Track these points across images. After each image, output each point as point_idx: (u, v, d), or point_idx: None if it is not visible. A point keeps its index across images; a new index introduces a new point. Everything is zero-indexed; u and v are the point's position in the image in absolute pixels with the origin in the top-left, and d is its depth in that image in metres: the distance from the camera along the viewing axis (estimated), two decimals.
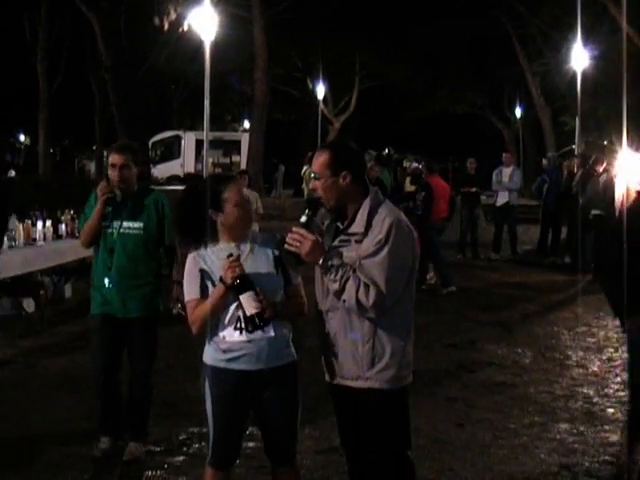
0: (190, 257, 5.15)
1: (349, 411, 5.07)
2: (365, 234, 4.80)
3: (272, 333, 4.94)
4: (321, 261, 4.78)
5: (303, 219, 4.87)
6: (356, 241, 4.83)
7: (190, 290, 5.10)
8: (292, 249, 4.81)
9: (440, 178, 17.23)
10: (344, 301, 4.77)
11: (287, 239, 4.82)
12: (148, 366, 7.19)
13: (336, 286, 4.75)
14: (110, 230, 7.01)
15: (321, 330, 5.03)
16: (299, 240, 4.78)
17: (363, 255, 4.76)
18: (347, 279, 4.72)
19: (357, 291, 4.70)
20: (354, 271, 4.74)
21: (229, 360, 4.99)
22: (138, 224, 7.03)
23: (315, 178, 4.95)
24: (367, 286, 4.70)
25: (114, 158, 7.02)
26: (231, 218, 5.05)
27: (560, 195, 19.96)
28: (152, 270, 7.15)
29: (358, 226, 4.85)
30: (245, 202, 5.12)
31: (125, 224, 7.01)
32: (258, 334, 4.93)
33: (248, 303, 4.82)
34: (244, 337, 4.94)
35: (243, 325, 4.93)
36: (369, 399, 4.92)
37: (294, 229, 4.83)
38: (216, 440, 5.12)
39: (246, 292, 4.82)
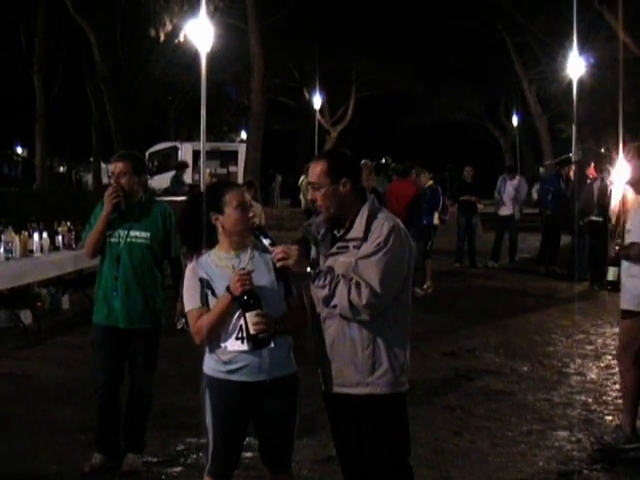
0: (189, 267, 5.13)
1: (348, 420, 5.07)
2: (364, 239, 4.83)
3: (272, 344, 4.91)
4: (308, 269, 4.81)
5: (267, 242, 4.96)
6: (354, 247, 4.86)
7: (190, 299, 5.07)
8: (281, 263, 4.86)
9: (406, 183, 16.73)
10: (335, 306, 4.79)
11: (273, 257, 4.88)
12: (149, 378, 7.18)
13: (325, 292, 4.77)
14: (116, 239, 6.99)
15: (319, 338, 5.04)
16: (286, 253, 4.82)
17: (360, 256, 4.78)
18: (337, 283, 4.74)
19: (349, 292, 4.72)
20: (344, 276, 4.75)
21: (230, 372, 4.98)
22: (145, 233, 7.00)
23: (313, 188, 4.95)
24: (359, 285, 4.72)
25: (114, 166, 7.02)
26: (231, 220, 5.02)
27: (557, 202, 19.94)
28: (157, 281, 7.13)
29: (357, 231, 4.88)
30: (245, 206, 5.10)
31: (132, 233, 6.98)
32: None
33: (252, 322, 4.80)
34: (246, 347, 4.92)
35: (244, 335, 4.91)
36: (369, 405, 4.94)
37: (270, 250, 4.90)
38: (216, 450, 5.09)
39: (252, 310, 4.81)
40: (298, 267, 4.86)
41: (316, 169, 4.97)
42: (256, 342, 4.85)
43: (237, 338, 4.94)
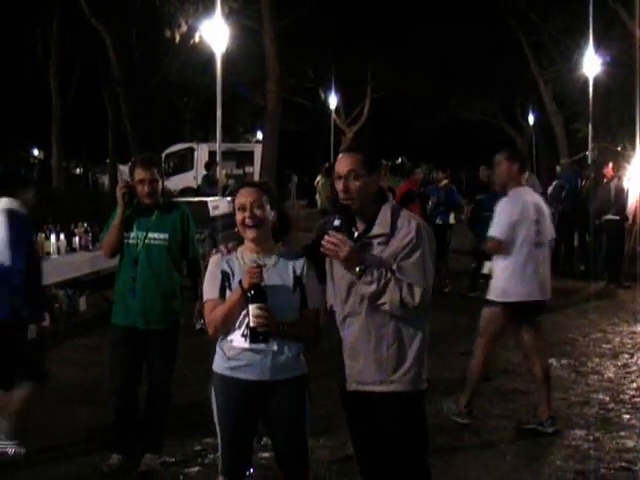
0: (213, 258, 5.14)
1: (367, 418, 5.07)
2: (391, 235, 4.82)
3: (275, 347, 4.93)
4: (357, 269, 4.76)
5: (337, 223, 4.83)
6: (379, 243, 4.84)
7: (209, 290, 5.10)
8: (329, 253, 4.79)
9: (410, 183, 17.20)
10: (383, 303, 4.77)
11: (324, 243, 4.79)
12: (167, 378, 7.19)
13: (373, 287, 4.74)
14: (134, 241, 7.02)
15: (337, 337, 5.03)
16: (337, 245, 4.75)
17: (397, 257, 4.79)
18: (387, 281, 4.72)
19: (401, 292, 4.71)
20: (394, 273, 4.74)
21: (233, 368, 5.00)
22: (163, 235, 7.03)
23: (351, 178, 4.86)
24: (411, 287, 4.72)
25: (142, 174, 6.99)
26: (237, 223, 5.06)
27: (572, 200, 19.84)
28: (175, 282, 7.16)
29: (381, 228, 4.86)
30: (247, 208, 5.01)
31: (150, 235, 7.01)
32: (260, 345, 4.91)
33: (253, 314, 4.81)
34: (247, 344, 4.93)
35: (247, 332, 4.92)
36: (392, 403, 4.94)
37: (331, 233, 4.79)
38: (224, 448, 5.12)
39: (256, 303, 4.81)
40: (346, 264, 4.80)
41: (352, 159, 4.91)
42: (253, 335, 4.85)
43: (242, 335, 4.96)
